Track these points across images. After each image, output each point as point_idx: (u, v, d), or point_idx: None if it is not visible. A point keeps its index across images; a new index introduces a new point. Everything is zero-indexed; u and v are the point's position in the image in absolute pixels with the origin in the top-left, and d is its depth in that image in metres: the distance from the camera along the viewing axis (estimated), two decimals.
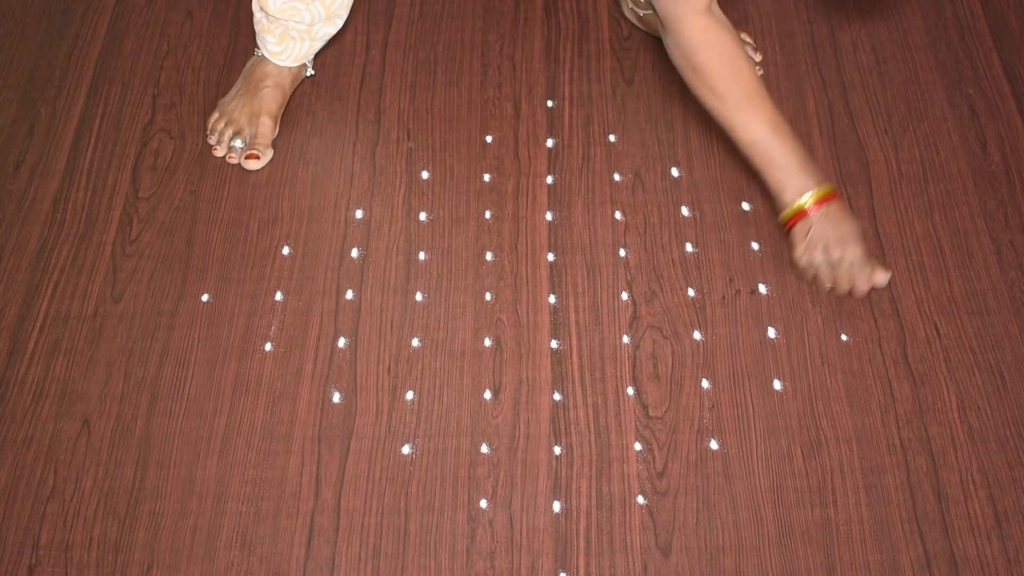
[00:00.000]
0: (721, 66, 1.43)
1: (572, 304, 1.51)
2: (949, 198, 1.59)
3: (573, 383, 1.44)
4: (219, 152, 1.67)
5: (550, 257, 1.54)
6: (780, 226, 1.53)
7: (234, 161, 1.66)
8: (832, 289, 1.49)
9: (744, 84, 1.44)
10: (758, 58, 1.74)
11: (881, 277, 1.48)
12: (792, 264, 1.51)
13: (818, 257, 1.46)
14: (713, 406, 1.41)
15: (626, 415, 1.41)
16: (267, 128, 1.66)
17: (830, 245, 1.45)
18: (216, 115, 1.69)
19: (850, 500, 1.34)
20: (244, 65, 1.74)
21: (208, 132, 1.69)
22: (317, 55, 1.76)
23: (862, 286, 1.48)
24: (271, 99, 1.67)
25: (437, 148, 1.67)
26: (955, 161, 1.63)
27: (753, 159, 1.47)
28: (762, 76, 1.73)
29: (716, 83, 1.44)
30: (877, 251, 1.54)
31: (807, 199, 1.45)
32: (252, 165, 1.65)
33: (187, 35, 1.82)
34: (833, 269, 1.47)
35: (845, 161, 1.63)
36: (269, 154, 1.67)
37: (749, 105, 1.44)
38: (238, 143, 1.66)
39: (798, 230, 1.47)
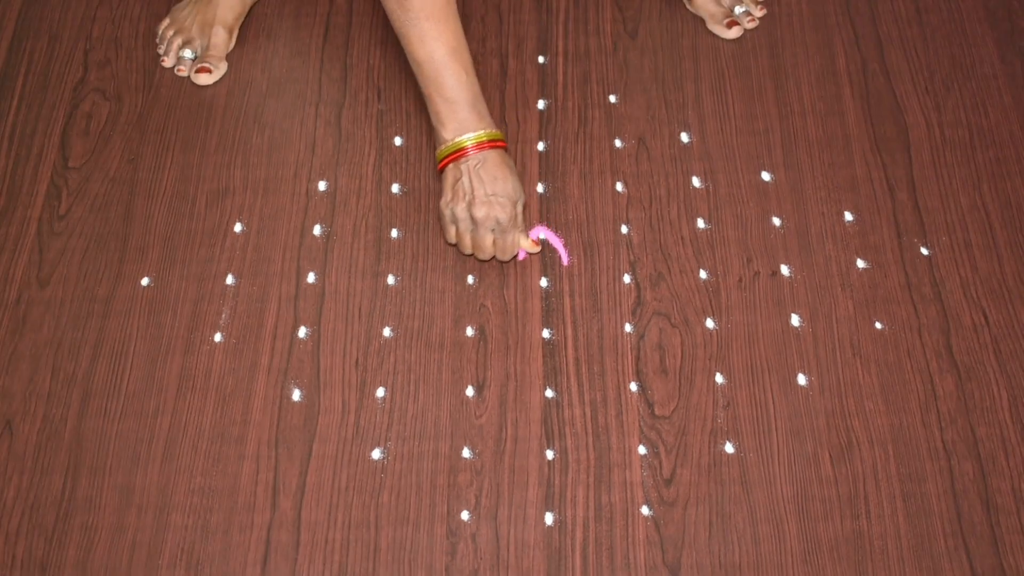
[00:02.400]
0: None
1: (567, 288, 1.51)
2: (999, 167, 1.60)
3: (568, 378, 1.44)
4: (167, 63, 1.71)
5: (541, 235, 1.54)
6: (435, 165, 1.56)
7: (183, 74, 1.70)
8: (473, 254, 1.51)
9: None
10: (759, 13, 1.74)
11: (526, 245, 1.49)
12: (437, 214, 1.52)
13: (460, 211, 1.46)
14: (728, 404, 1.42)
15: (628, 414, 1.42)
16: (221, 39, 1.70)
17: (475, 201, 1.45)
18: (166, 22, 1.73)
19: (885, 511, 1.35)
20: None
21: (157, 41, 1.73)
22: (273, 2, 1.77)
23: (502, 254, 1.49)
24: (227, 8, 1.71)
25: (412, 110, 1.67)
26: (1006, 124, 1.64)
27: (421, 81, 1.49)
28: (777, 29, 1.73)
29: None
30: (916, 227, 1.54)
31: (468, 138, 1.46)
32: (203, 79, 1.69)
33: None
34: (475, 228, 1.47)
35: (880, 125, 1.64)
36: (222, 68, 1.70)
37: (432, 19, 1.45)
38: (188, 54, 1.70)
39: (449, 172, 1.47)
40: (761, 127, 1.64)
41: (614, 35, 1.74)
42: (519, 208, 1.47)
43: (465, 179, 1.45)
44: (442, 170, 1.48)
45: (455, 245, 1.52)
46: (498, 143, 1.47)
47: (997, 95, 1.67)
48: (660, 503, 1.36)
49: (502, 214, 1.45)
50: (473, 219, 1.45)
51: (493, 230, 1.46)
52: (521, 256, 1.52)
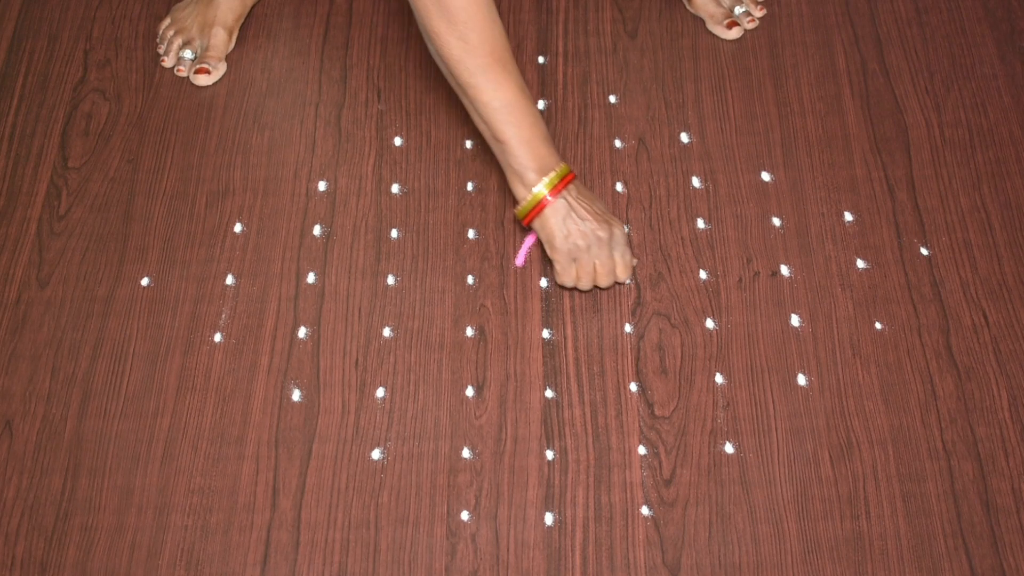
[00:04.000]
0: (476, 11, 1.38)
1: (567, 288, 1.51)
2: (999, 167, 1.60)
3: (568, 378, 1.44)
4: (167, 63, 1.71)
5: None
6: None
7: (183, 74, 1.70)
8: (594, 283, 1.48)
9: (498, 36, 1.40)
10: (758, 13, 1.74)
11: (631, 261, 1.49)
12: (555, 265, 1.47)
13: (582, 239, 1.43)
14: (728, 404, 1.42)
15: (628, 414, 1.42)
16: (220, 40, 1.70)
17: (595, 222, 1.43)
18: (167, 22, 1.74)
19: (885, 511, 1.35)
20: None
21: (157, 40, 1.73)
22: (273, 3, 1.77)
23: (625, 271, 1.48)
24: (227, 8, 1.71)
25: (411, 111, 1.67)
26: (1006, 124, 1.64)
27: (495, 128, 1.42)
28: (777, 29, 1.73)
29: (469, 31, 1.38)
30: (916, 227, 1.54)
31: (542, 187, 1.42)
32: (201, 80, 1.69)
33: None
34: (599, 251, 1.45)
35: (880, 125, 1.64)
36: (221, 69, 1.71)
37: (502, 62, 1.41)
38: (188, 54, 1.70)
39: (549, 215, 1.43)
40: (761, 127, 1.64)
41: (614, 35, 1.74)
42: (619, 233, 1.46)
43: (575, 207, 1.43)
44: (529, 222, 1.45)
45: (572, 289, 1.50)
46: (570, 176, 1.44)
47: (997, 95, 1.67)
48: (660, 503, 1.36)
49: (617, 228, 1.44)
50: (598, 240, 1.43)
51: (614, 249, 1.45)
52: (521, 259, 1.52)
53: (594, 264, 1.45)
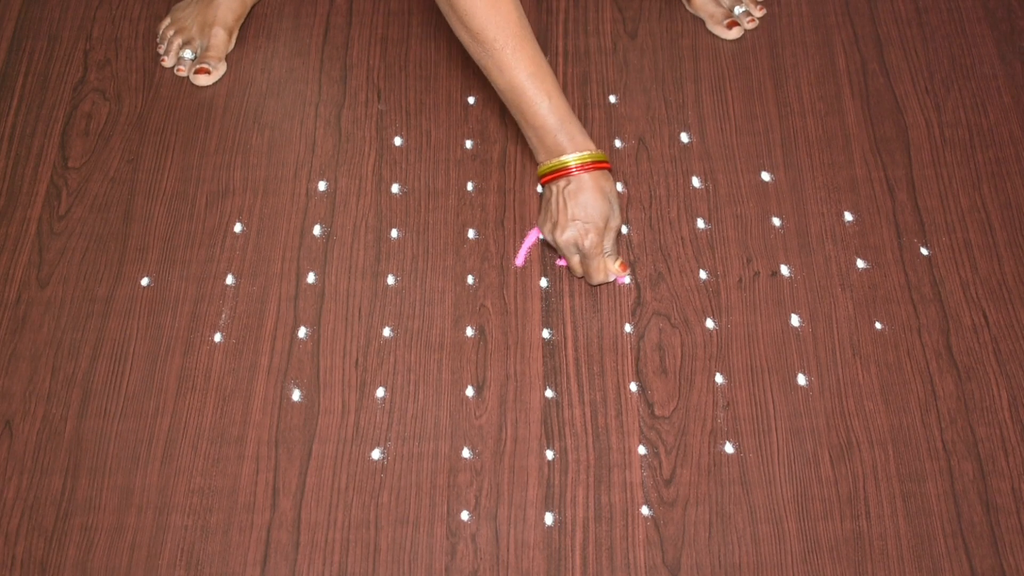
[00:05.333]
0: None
1: (566, 288, 1.51)
2: (999, 167, 1.60)
3: (568, 378, 1.44)
4: (167, 63, 1.72)
5: (541, 235, 1.54)
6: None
7: (183, 74, 1.71)
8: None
9: (503, 22, 1.42)
10: (758, 13, 1.74)
11: (615, 270, 1.49)
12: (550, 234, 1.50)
13: (546, 232, 1.48)
14: (728, 404, 1.42)
15: (628, 414, 1.42)
16: (220, 40, 1.70)
17: (557, 226, 1.46)
18: (167, 22, 1.74)
19: (885, 511, 1.35)
20: None
21: (157, 40, 1.73)
22: (273, 3, 1.77)
23: (588, 280, 1.50)
24: (227, 9, 1.71)
25: (412, 110, 1.67)
26: (1006, 125, 1.64)
27: (509, 108, 1.49)
28: (777, 29, 1.73)
29: (470, 19, 1.42)
30: (916, 227, 1.54)
31: (571, 158, 1.45)
32: (201, 80, 1.70)
33: None
34: (562, 248, 1.48)
35: (880, 125, 1.64)
36: (221, 69, 1.71)
37: (508, 48, 1.43)
38: (188, 54, 1.70)
39: (545, 190, 1.49)
40: (761, 127, 1.64)
41: (614, 35, 1.74)
42: (609, 234, 1.47)
43: (554, 201, 1.46)
44: (544, 184, 1.50)
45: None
46: (601, 164, 1.46)
47: (997, 95, 1.66)
48: (660, 503, 1.36)
49: (584, 240, 1.45)
50: (555, 242, 1.47)
51: (582, 254, 1.47)
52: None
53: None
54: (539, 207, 1.56)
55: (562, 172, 1.45)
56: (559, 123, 1.46)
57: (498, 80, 1.46)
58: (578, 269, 1.49)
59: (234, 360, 1.46)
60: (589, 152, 1.46)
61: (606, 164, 1.47)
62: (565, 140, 1.46)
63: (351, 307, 1.50)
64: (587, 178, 1.45)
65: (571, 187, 1.45)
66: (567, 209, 1.45)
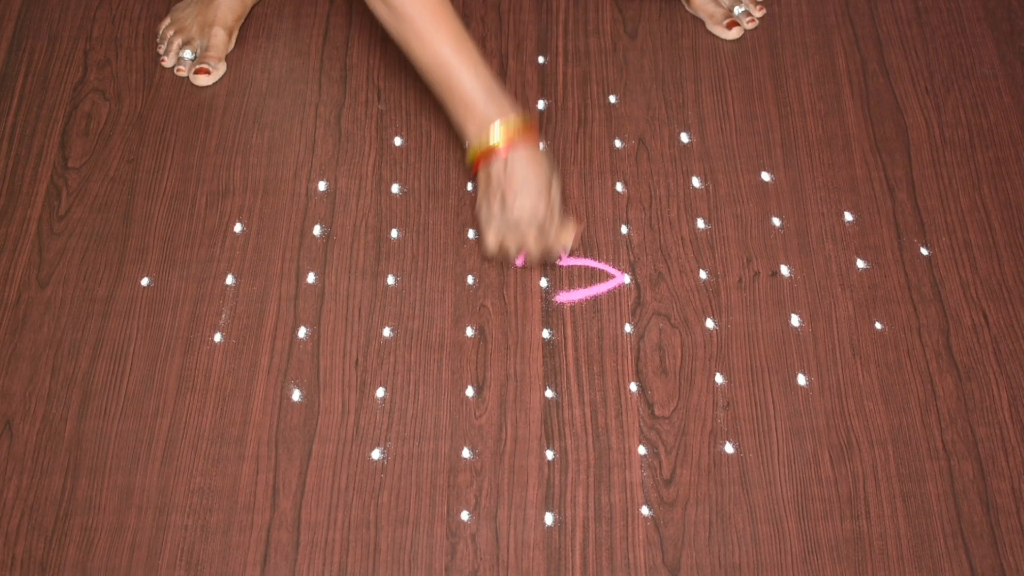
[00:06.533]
0: None
1: (567, 288, 1.51)
2: (999, 167, 1.60)
3: (568, 378, 1.44)
4: (167, 63, 1.72)
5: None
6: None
7: (183, 74, 1.71)
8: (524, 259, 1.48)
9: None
10: (758, 13, 1.74)
11: (567, 239, 1.48)
12: (474, 219, 1.48)
13: (495, 207, 1.44)
14: (728, 404, 1.42)
15: (628, 415, 1.42)
16: (220, 40, 1.71)
17: (506, 196, 1.43)
18: (167, 22, 1.74)
19: (885, 511, 1.35)
20: None
21: (157, 40, 1.74)
22: (273, 3, 1.77)
23: (547, 253, 1.47)
24: (227, 9, 1.72)
25: (412, 111, 1.67)
26: (1006, 125, 1.64)
27: (433, 88, 1.47)
28: (777, 29, 1.73)
29: None
30: (916, 227, 1.54)
31: (497, 135, 1.43)
32: (201, 80, 1.70)
33: None
34: (515, 227, 1.45)
35: (880, 125, 1.64)
36: (221, 69, 1.71)
37: (427, 20, 1.42)
38: (188, 54, 1.71)
39: (482, 173, 1.45)
40: (761, 127, 1.64)
41: (614, 35, 1.74)
42: (555, 199, 1.45)
43: (495, 180, 1.44)
44: (475, 175, 1.46)
45: (493, 259, 1.49)
46: (526, 130, 1.44)
47: (997, 95, 1.67)
48: (660, 503, 1.36)
49: (540, 205, 1.43)
50: (508, 214, 1.43)
51: (534, 226, 1.44)
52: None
53: (517, 238, 1.46)
54: (476, 186, 1.50)
55: (504, 148, 1.42)
56: (487, 93, 1.44)
57: (420, 56, 1.44)
58: (532, 247, 1.46)
59: (234, 360, 1.46)
60: (517, 115, 1.43)
61: (534, 125, 1.45)
62: (495, 109, 1.43)
63: (351, 307, 1.50)
64: (524, 150, 1.43)
65: (513, 162, 1.42)
66: (514, 178, 1.42)
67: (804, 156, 1.61)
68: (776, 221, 1.56)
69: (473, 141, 1.45)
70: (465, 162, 1.48)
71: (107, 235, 1.56)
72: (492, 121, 1.43)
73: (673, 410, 1.42)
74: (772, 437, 1.39)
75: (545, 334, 1.48)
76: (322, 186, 1.60)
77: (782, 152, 1.61)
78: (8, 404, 1.43)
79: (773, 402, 1.42)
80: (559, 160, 1.61)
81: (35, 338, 1.48)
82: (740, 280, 1.51)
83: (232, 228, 1.57)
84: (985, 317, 1.48)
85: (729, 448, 1.39)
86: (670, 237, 1.55)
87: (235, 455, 1.40)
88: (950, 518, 1.34)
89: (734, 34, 1.72)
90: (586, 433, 1.40)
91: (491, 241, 1.47)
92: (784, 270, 1.52)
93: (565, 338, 1.47)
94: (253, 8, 1.77)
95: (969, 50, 1.71)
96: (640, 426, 1.41)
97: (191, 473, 1.38)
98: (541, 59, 1.72)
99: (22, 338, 1.48)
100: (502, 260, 1.50)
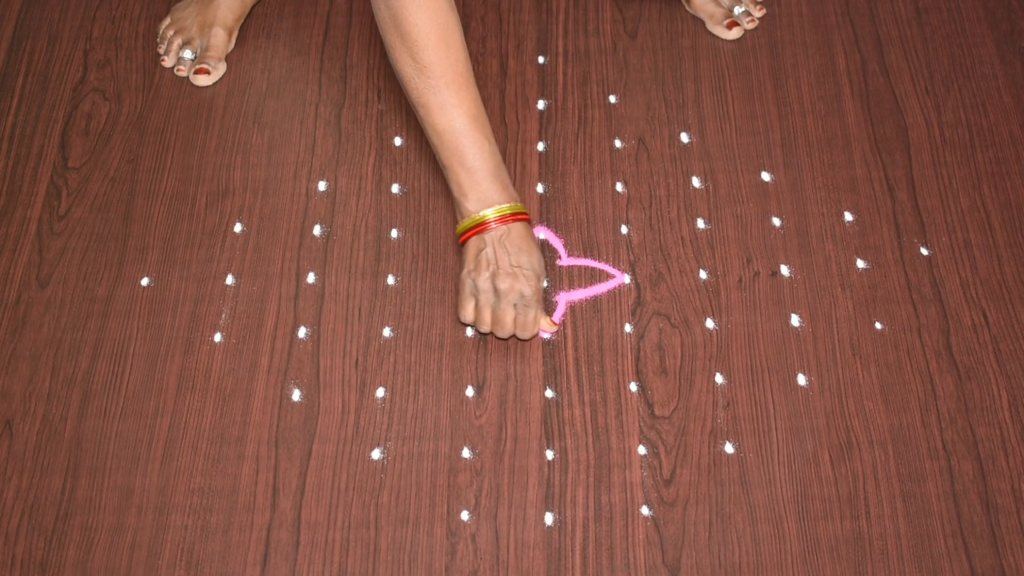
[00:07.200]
0: (431, 31, 1.41)
1: (567, 288, 1.51)
2: (999, 167, 1.60)
3: (568, 378, 1.44)
4: (167, 63, 1.72)
5: (541, 235, 1.54)
6: (456, 238, 1.52)
7: (183, 74, 1.71)
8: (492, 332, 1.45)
9: (452, 60, 1.42)
10: (758, 13, 1.74)
11: (546, 324, 1.45)
12: (456, 286, 1.47)
13: (483, 281, 1.42)
14: (728, 404, 1.42)
15: (628, 414, 1.42)
16: (220, 40, 1.71)
17: (499, 272, 1.41)
18: (167, 22, 1.74)
19: (885, 511, 1.35)
20: None
21: (157, 40, 1.74)
22: (273, 3, 1.77)
23: (522, 332, 1.43)
24: (227, 9, 1.71)
25: (412, 110, 1.67)
26: (1006, 125, 1.64)
27: (441, 152, 1.46)
28: (777, 29, 1.73)
29: (421, 51, 1.42)
30: (916, 227, 1.54)
31: (491, 212, 1.43)
32: (201, 80, 1.70)
33: None
34: (497, 301, 1.42)
35: (880, 125, 1.64)
36: (221, 69, 1.71)
37: (452, 86, 1.43)
38: (188, 54, 1.71)
39: (472, 243, 1.43)
40: (761, 127, 1.64)
41: (614, 35, 1.74)
42: (542, 284, 1.43)
43: (489, 249, 1.42)
44: (463, 243, 1.45)
45: (468, 325, 1.46)
46: (521, 216, 1.44)
47: (997, 95, 1.67)
48: (660, 503, 1.36)
49: (527, 287, 1.41)
50: (496, 291, 1.41)
51: (515, 305, 1.42)
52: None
53: (496, 313, 1.43)
54: (460, 259, 1.48)
55: (495, 222, 1.42)
56: (495, 168, 1.44)
57: (438, 120, 1.44)
58: (507, 324, 1.42)
59: (234, 360, 1.46)
60: (518, 203, 1.44)
61: (527, 216, 1.45)
62: (498, 187, 1.44)
63: (351, 307, 1.50)
64: (519, 226, 1.43)
65: (511, 235, 1.42)
66: (508, 255, 1.41)
67: (804, 156, 1.61)
68: (776, 221, 1.56)
69: (469, 212, 1.44)
70: (455, 230, 1.48)
71: (107, 235, 1.56)
72: (494, 202, 1.43)
73: (673, 410, 1.42)
74: (772, 437, 1.39)
75: (545, 334, 1.47)
76: (322, 186, 1.60)
77: (782, 152, 1.61)
78: (8, 404, 1.43)
79: (773, 402, 1.42)
80: (557, 160, 1.61)
81: (35, 338, 1.48)
82: (740, 280, 1.51)
83: (232, 228, 1.57)
84: (985, 317, 1.48)
85: (729, 448, 1.39)
86: (670, 237, 1.55)
87: (235, 455, 1.40)
88: (950, 518, 1.34)
89: (734, 34, 1.72)
90: (586, 433, 1.40)
91: (468, 311, 1.43)
92: (784, 270, 1.52)
93: (565, 338, 1.47)
94: (253, 8, 1.77)
95: (969, 50, 1.71)
96: (640, 426, 1.41)
97: (191, 473, 1.38)
98: (541, 59, 1.72)
99: (22, 338, 1.48)
100: (471, 326, 1.48)
